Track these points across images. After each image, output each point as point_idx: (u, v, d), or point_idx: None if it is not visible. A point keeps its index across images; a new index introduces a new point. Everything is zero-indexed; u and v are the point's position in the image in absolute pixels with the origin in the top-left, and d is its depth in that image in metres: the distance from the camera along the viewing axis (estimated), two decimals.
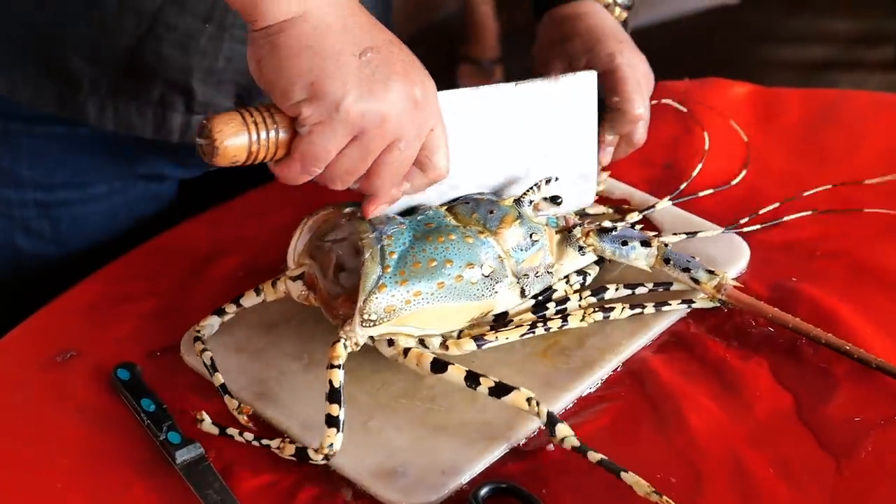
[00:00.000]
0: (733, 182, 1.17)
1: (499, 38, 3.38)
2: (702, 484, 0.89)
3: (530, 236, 0.99)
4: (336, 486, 0.90)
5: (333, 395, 0.90)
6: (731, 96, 1.33)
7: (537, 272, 1.00)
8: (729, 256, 1.08)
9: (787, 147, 1.26)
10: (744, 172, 1.18)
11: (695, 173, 1.16)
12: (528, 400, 0.91)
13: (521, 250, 0.99)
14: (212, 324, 1.02)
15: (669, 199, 1.13)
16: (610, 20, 1.14)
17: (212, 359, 0.99)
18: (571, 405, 0.96)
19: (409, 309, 0.94)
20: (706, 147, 1.20)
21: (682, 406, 0.96)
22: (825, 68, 3.25)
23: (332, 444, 0.89)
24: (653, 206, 1.12)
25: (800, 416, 0.95)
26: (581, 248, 1.02)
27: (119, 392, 0.98)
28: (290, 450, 0.92)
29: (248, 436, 0.93)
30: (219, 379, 0.98)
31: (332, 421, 0.90)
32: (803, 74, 3.19)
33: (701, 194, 1.15)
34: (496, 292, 0.97)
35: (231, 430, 0.94)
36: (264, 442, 0.93)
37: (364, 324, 0.93)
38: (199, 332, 1.02)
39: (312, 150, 0.88)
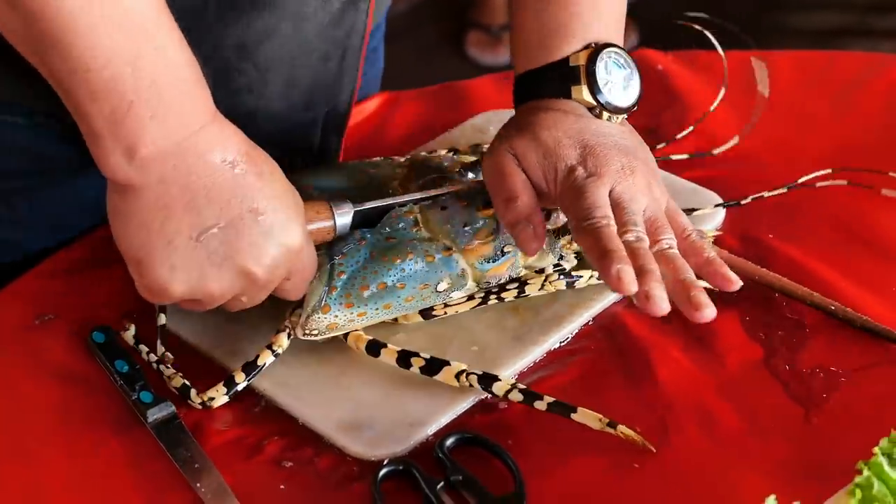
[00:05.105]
0: (715, 151, 1.18)
1: (507, 3, 3.36)
2: (668, 434, 0.89)
3: (501, 250, 0.97)
4: (303, 439, 0.91)
5: (249, 368, 0.93)
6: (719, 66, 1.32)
7: (501, 279, 0.98)
8: (706, 211, 1.08)
9: (775, 110, 1.25)
10: (734, 140, 1.19)
11: (690, 129, 1.17)
12: (459, 375, 0.91)
13: (488, 262, 0.97)
14: None
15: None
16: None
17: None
18: (541, 358, 0.97)
19: (353, 325, 0.95)
20: (719, 99, 1.21)
21: (651, 358, 0.96)
22: (837, 35, 3.22)
23: (213, 398, 0.92)
24: None
25: (768, 367, 0.95)
26: (562, 256, 0.99)
27: (95, 354, 0.99)
28: (177, 381, 0.94)
29: (153, 357, 0.97)
30: (162, 319, 0.99)
31: (230, 382, 0.93)
32: (815, 41, 3.16)
33: (674, 157, 1.15)
34: (450, 297, 0.97)
35: (141, 347, 0.98)
36: (163, 368, 0.96)
37: (306, 335, 0.94)
38: None
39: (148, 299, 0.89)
